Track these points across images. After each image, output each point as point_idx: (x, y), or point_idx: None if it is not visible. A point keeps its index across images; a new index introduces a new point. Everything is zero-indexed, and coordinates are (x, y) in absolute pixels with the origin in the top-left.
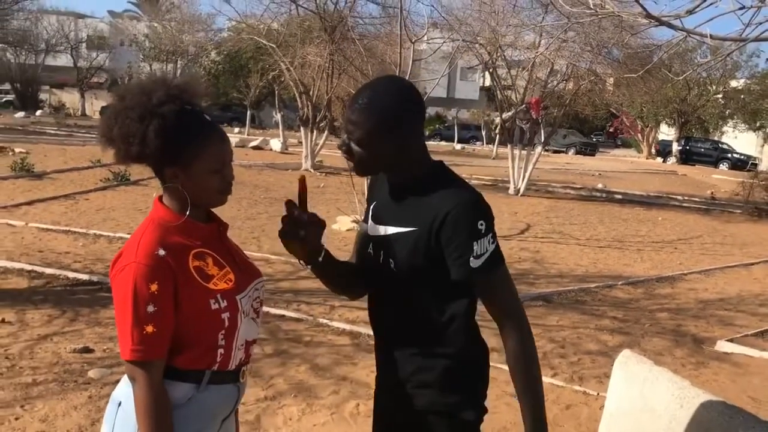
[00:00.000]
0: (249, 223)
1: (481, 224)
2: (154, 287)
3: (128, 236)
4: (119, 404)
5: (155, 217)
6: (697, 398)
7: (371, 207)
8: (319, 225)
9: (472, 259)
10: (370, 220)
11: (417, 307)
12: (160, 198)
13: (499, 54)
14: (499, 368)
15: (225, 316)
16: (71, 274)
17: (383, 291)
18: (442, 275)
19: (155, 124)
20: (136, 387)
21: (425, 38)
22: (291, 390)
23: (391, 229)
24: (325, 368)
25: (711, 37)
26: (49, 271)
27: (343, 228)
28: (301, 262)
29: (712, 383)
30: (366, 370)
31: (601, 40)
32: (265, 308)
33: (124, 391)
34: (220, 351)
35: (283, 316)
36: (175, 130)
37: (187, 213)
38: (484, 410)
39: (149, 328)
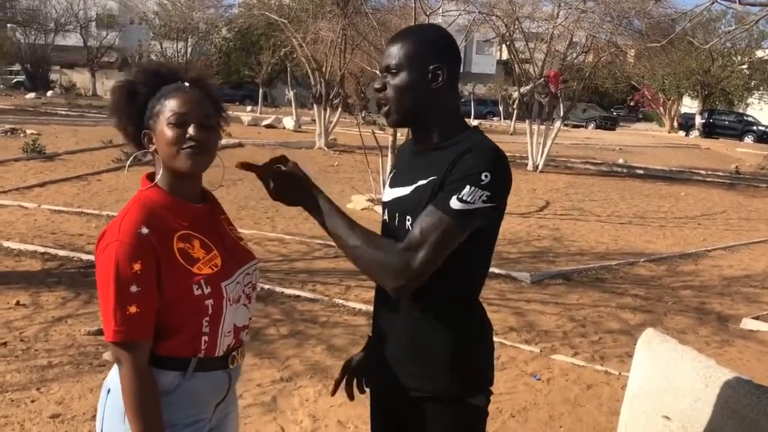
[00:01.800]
0: (262, 204)
1: (485, 176)
2: (137, 266)
3: None
4: (108, 391)
5: (141, 195)
6: (722, 377)
7: (390, 177)
8: (274, 165)
9: (455, 198)
10: (387, 187)
11: (438, 281)
12: (149, 176)
13: (516, 26)
14: (517, 347)
15: (209, 302)
16: (84, 256)
17: None
18: None
19: (125, 92)
20: (121, 369)
21: (440, 11)
22: (307, 371)
23: (411, 186)
24: (341, 349)
25: (740, 2)
26: (62, 253)
27: (358, 207)
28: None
29: (737, 362)
30: None
31: (622, 10)
32: (280, 289)
33: (112, 378)
34: (204, 338)
35: (299, 296)
36: (144, 97)
37: (157, 179)
38: (491, 394)
39: (132, 309)
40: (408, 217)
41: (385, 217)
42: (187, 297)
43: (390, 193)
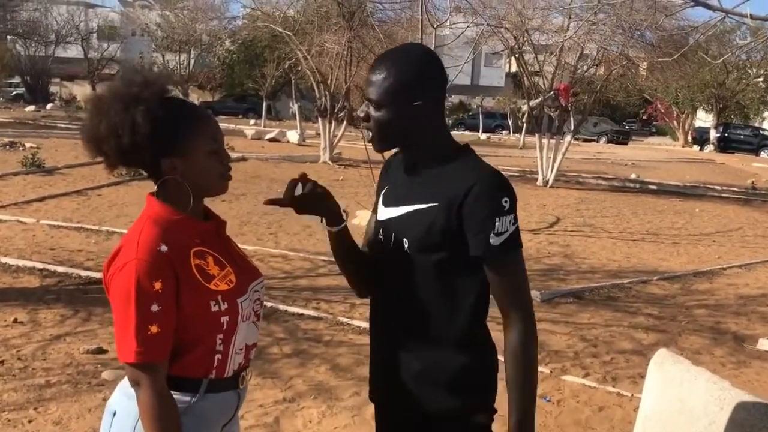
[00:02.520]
0: (266, 219)
1: (506, 201)
2: (158, 285)
3: None
4: (114, 414)
5: (151, 214)
6: (738, 400)
7: (382, 193)
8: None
9: (492, 235)
10: (380, 205)
11: (430, 295)
12: (154, 195)
13: (525, 38)
14: None
15: (224, 319)
16: (84, 273)
17: (393, 277)
18: (458, 257)
19: (141, 109)
20: (141, 392)
21: (448, 23)
22: (311, 391)
23: (408, 208)
24: (346, 368)
25: (751, 17)
26: (61, 269)
27: (363, 223)
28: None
29: (754, 384)
30: None
31: (634, 22)
32: (283, 307)
33: (119, 401)
34: (217, 356)
35: (302, 314)
36: (163, 113)
37: (191, 204)
38: (494, 412)
39: (154, 329)
40: (405, 240)
41: (380, 236)
42: (204, 314)
43: (384, 212)
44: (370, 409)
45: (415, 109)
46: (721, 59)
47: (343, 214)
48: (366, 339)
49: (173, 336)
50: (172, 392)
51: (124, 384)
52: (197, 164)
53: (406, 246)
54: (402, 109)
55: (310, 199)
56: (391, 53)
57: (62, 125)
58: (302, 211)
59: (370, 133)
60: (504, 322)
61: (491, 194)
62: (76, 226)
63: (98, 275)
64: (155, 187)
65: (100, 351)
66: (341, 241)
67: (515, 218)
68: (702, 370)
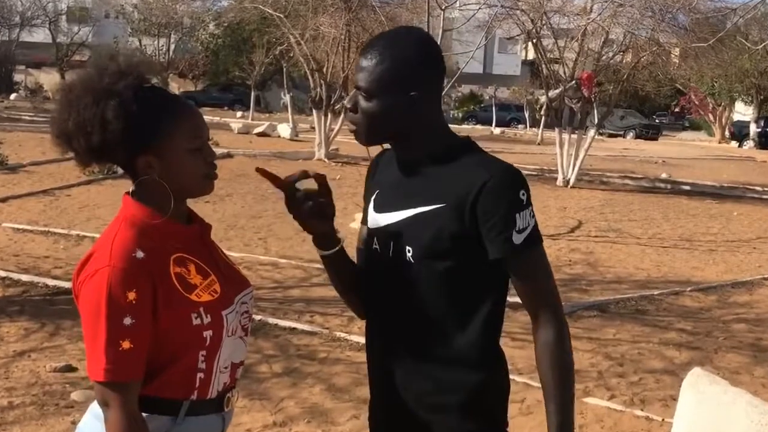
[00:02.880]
0: (254, 222)
1: (523, 194)
2: (131, 295)
3: None
4: None
5: (127, 216)
6: None
7: (372, 198)
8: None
9: (515, 234)
10: (371, 212)
11: (438, 308)
12: (131, 194)
13: (544, 21)
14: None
15: (207, 333)
16: (51, 282)
17: (393, 291)
18: (469, 264)
19: (113, 104)
20: (110, 413)
21: (457, 4)
22: (304, 414)
23: (407, 212)
24: (343, 389)
25: None
26: (25, 278)
27: None
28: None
29: None
30: None
31: (665, 3)
32: (274, 320)
33: (90, 423)
34: (200, 375)
35: (294, 328)
36: (138, 108)
37: (171, 208)
38: None
39: (126, 344)
40: (408, 248)
41: (375, 246)
42: (184, 327)
43: (377, 219)
44: None
45: (410, 100)
46: (763, 45)
47: (339, 236)
48: (365, 356)
49: (148, 352)
50: (148, 415)
51: (96, 405)
52: (177, 163)
53: (408, 255)
54: (395, 100)
55: (307, 204)
56: (385, 36)
57: (27, 118)
58: (292, 210)
59: (353, 126)
60: (534, 324)
61: (507, 189)
62: (43, 229)
63: (67, 284)
64: (132, 186)
65: (69, 369)
66: (336, 265)
67: (533, 211)
68: (741, 392)
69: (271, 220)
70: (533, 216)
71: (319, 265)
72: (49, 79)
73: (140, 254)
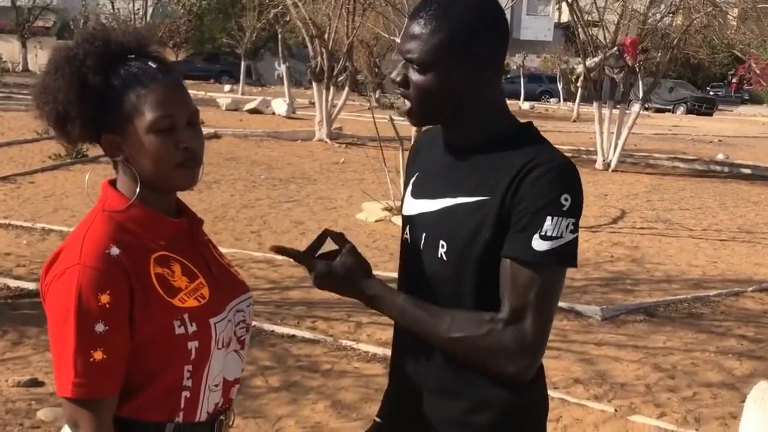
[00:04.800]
0: (246, 213)
1: (566, 199)
2: (104, 298)
3: None
4: None
5: (104, 205)
6: None
7: (411, 181)
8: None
9: (536, 237)
10: (408, 197)
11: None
12: (112, 182)
13: None
14: (584, 405)
15: (192, 344)
16: (13, 283)
17: (422, 289)
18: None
19: (67, 70)
20: None
21: None
22: None
23: (447, 201)
24: (349, 406)
25: None
26: None
27: (371, 218)
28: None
29: None
30: None
31: None
32: (270, 326)
33: None
34: (185, 394)
35: (294, 336)
36: (99, 78)
37: (136, 194)
38: None
39: (98, 355)
40: (442, 242)
41: (407, 235)
42: (165, 337)
43: (414, 205)
44: None
45: (470, 74)
46: None
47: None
48: (376, 369)
49: (124, 364)
50: None
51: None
52: (141, 146)
53: (442, 250)
54: (456, 73)
55: (332, 274)
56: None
57: None
58: (320, 285)
59: (407, 103)
60: (500, 312)
61: (549, 184)
62: (3, 222)
63: (32, 285)
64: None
65: (35, 383)
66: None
67: (575, 225)
68: None
69: (265, 210)
70: (574, 231)
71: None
72: (8, 48)
73: (115, 251)
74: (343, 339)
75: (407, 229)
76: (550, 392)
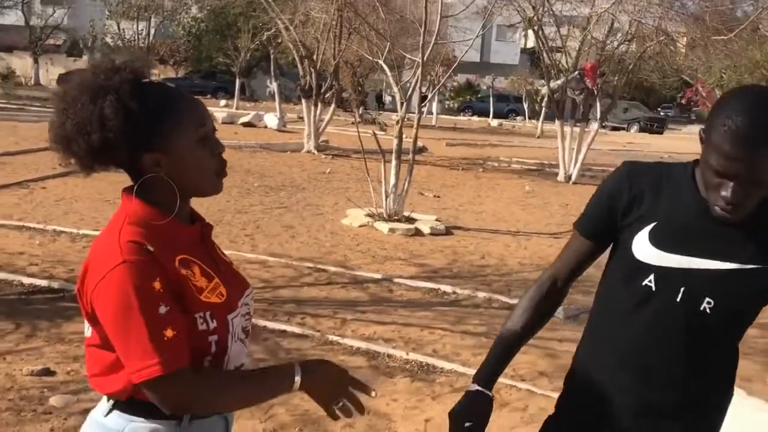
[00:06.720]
0: (240, 218)
1: None
2: (156, 285)
3: (95, 233)
4: None
5: (129, 212)
6: None
7: (647, 228)
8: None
9: None
10: (648, 245)
11: (717, 364)
12: (129, 192)
13: (546, 8)
14: (549, 397)
15: (213, 339)
16: (26, 280)
17: (669, 334)
18: (750, 321)
19: (110, 100)
20: (193, 407)
21: None
22: (295, 422)
23: (723, 264)
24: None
25: None
26: None
27: (355, 223)
28: None
29: None
30: (386, 398)
31: None
32: (263, 322)
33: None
34: None
35: (284, 331)
36: (137, 103)
37: (177, 207)
38: None
39: (169, 332)
40: (709, 299)
41: (650, 282)
42: (191, 333)
43: (666, 259)
44: None
45: None
46: None
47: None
48: (359, 361)
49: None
50: (153, 421)
51: (96, 412)
52: (185, 159)
53: (706, 306)
54: None
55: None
56: (762, 108)
57: None
58: None
59: (731, 209)
60: None
61: None
62: (17, 224)
63: (44, 283)
64: (128, 183)
65: (47, 372)
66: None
67: None
68: (758, 402)
69: (258, 215)
70: None
71: (310, 264)
72: (22, 63)
73: (150, 248)
74: (330, 334)
75: (658, 277)
76: (519, 384)
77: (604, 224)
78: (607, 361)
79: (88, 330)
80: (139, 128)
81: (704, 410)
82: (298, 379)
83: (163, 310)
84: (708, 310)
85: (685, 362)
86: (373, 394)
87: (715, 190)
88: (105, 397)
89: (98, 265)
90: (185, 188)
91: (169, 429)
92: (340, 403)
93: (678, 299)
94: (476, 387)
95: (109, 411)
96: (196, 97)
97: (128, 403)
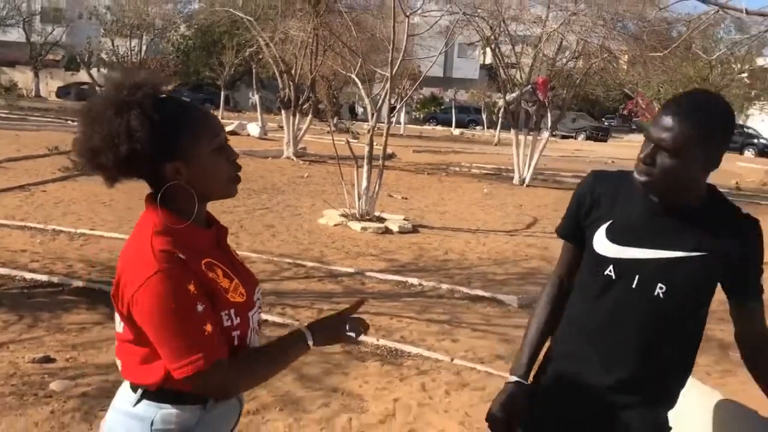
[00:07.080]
0: (225, 218)
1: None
2: (192, 288)
3: (92, 232)
4: None
5: (155, 221)
6: (730, 410)
7: (604, 227)
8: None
9: (761, 282)
10: (605, 239)
11: (671, 348)
12: (151, 200)
13: (502, 28)
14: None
15: (235, 334)
16: (28, 275)
17: (628, 320)
18: (705, 308)
19: (135, 113)
20: (231, 390)
21: (420, 11)
22: (276, 402)
23: (667, 253)
24: (313, 379)
25: (747, 12)
26: (2, 271)
27: (330, 222)
28: None
29: (740, 394)
30: (358, 381)
31: (616, 13)
32: None
33: (121, 423)
34: None
35: (266, 321)
36: (159, 116)
37: (195, 212)
38: None
39: (208, 328)
40: (660, 285)
41: (610, 272)
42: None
43: (622, 251)
44: (340, 421)
45: (703, 165)
46: (714, 56)
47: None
48: (334, 347)
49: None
50: (182, 406)
51: (119, 401)
52: (204, 166)
53: (659, 292)
54: (694, 160)
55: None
56: (694, 102)
57: (2, 115)
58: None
59: (645, 177)
60: (763, 354)
61: (761, 243)
62: (19, 224)
63: (44, 278)
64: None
65: (48, 360)
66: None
67: None
68: (693, 381)
69: (242, 215)
70: None
71: (289, 259)
72: (23, 77)
73: (181, 256)
74: (308, 323)
75: (615, 269)
76: (478, 366)
77: (576, 226)
78: (577, 339)
79: (119, 326)
80: (162, 139)
81: (659, 391)
82: (311, 342)
83: (200, 308)
84: (661, 295)
85: (644, 344)
86: (368, 300)
87: (638, 160)
88: (127, 389)
89: (134, 274)
90: (203, 194)
91: (194, 413)
92: (350, 333)
93: (633, 286)
94: (515, 378)
95: (138, 401)
96: (208, 110)
97: (158, 392)
